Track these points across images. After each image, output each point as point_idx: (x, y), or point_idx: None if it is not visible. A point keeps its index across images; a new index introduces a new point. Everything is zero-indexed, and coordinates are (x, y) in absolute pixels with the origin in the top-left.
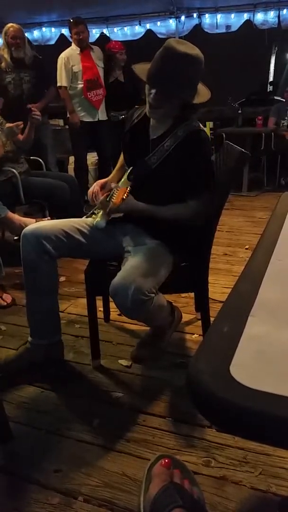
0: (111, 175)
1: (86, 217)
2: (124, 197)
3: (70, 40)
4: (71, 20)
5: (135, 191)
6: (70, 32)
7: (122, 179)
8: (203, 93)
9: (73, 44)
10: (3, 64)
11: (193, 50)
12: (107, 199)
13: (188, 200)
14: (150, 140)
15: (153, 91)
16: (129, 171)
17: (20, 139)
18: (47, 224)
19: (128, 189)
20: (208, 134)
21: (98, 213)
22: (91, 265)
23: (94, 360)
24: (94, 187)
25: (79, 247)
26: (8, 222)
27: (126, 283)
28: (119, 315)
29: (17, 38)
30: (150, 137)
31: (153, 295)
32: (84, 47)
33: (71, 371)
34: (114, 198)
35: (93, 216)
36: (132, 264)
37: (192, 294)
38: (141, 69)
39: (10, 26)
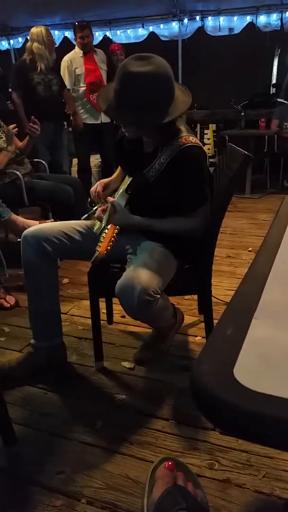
0: (114, 174)
1: (83, 219)
2: (109, 247)
3: (74, 43)
4: (76, 24)
5: (134, 204)
6: (75, 35)
7: (120, 190)
8: (180, 102)
9: (76, 47)
10: (42, 65)
11: (149, 65)
12: (102, 221)
13: (185, 215)
14: (145, 153)
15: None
16: (127, 184)
17: (19, 145)
18: (47, 226)
19: (116, 232)
20: (211, 136)
21: (96, 221)
22: (94, 267)
23: (97, 362)
24: (97, 186)
25: (79, 249)
26: (11, 224)
27: (132, 284)
28: (122, 317)
29: (53, 40)
30: (145, 151)
31: (159, 296)
32: (88, 50)
33: (74, 373)
34: (100, 244)
35: (92, 220)
36: (137, 264)
37: (195, 296)
38: (105, 98)
39: (45, 27)
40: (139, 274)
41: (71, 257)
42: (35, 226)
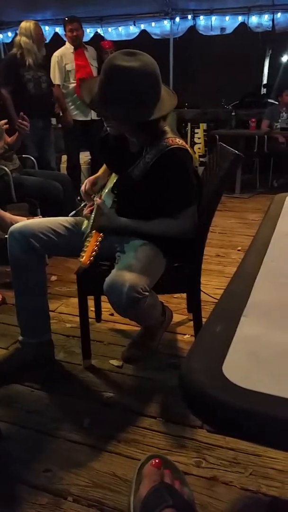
0: (101, 170)
1: (71, 216)
2: (92, 257)
3: (65, 39)
4: (66, 18)
5: (120, 203)
6: (65, 30)
7: (106, 190)
8: (165, 103)
9: (67, 42)
10: (30, 60)
11: (137, 61)
12: (89, 220)
13: (172, 216)
14: (130, 153)
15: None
16: (114, 182)
17: (8, 141)
18: (34, 221)
19: (99, 241)
20: (202, 135)
21: (84, 219)
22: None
23: (85, 360)
24: (86, 184)
25: (67, 245)
26: None
27: (120, 281)
28: (110, 315)
29: (42, 36)
30: (130, 150)
31: (147, 293)
32: (78, 45)
33: (62, 370)
34: (83, 253)
35: (80, 217)
36: (126, 262)
37: (184, 295)
38: (89, 90)
39: (34, 22)
40: (128, 272)
41: (59, 253)
42: (22, 222)
